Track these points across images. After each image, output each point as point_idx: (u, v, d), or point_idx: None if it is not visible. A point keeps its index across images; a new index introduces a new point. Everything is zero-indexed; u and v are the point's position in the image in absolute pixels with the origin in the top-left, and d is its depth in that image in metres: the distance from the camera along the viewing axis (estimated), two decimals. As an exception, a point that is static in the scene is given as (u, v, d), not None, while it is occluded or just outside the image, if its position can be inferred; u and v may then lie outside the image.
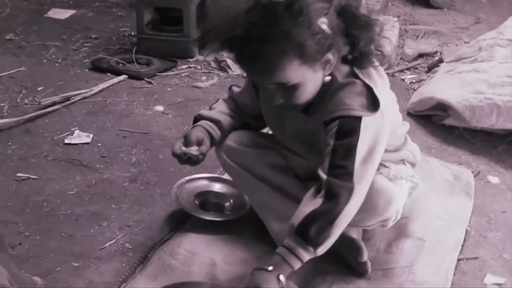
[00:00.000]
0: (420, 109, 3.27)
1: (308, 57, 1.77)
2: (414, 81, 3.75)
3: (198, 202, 2.48)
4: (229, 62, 3.97)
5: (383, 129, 1.91)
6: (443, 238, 2.35)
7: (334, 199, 1.84)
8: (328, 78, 1.88)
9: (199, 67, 4.00)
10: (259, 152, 2.23)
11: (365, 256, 2.10)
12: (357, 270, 2.13)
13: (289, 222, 1.90)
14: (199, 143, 2.13)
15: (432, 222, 2.42)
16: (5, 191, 2.62)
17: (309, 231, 1.83)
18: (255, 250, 2.27)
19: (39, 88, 3.59)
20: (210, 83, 3.76)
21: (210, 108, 2.29)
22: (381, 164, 2.02)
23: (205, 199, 2.49)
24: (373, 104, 1.86)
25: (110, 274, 2.18)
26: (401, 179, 2.10)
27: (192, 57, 4.12)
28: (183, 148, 2.13)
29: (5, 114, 3.27)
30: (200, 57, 4.14)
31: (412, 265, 2.20)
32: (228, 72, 3.93)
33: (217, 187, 2.55)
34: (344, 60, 1.89)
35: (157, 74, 3.85)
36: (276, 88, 1.86)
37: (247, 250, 2.28)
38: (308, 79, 1.83)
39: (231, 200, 2.48)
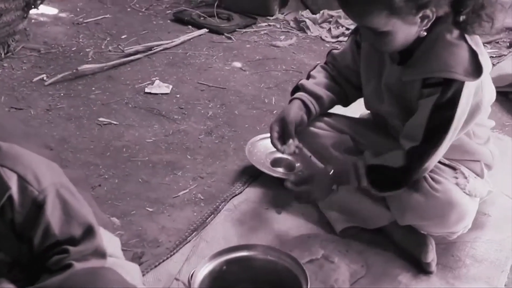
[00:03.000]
0: (498, 85, 3.21)
1: (398, 9, 1.77)
2: (494, 55, 3.68)
3: (270, 160, 2.54)
4: (309, 23, 3.99)
5: (481, 103, 1.93)
6: (509, 215, 2.35)
7: (412, 164, 1.90)
8: (423, 33, 1.89)
9: (278, 26, 4.04)
10: (332, 135, 2.23)
11: (430, 258, 2.08)
12: (421, 268, 2.12)
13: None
14: (297, 126, 2.15)
15: (500, 199, 2.42)
16: (88, 134, 2.75)
17: (376, 175, 1.94)
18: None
19: (123, 36, 3.71)
20: (288, 42, 3.79)
21: (309, 76, 2.27)
22: (461, 173, 2.04)
23: (277, 158, 2.55)
24: (476, 70, 1.84)
25: (181, 221, 2.28)
26: (475, 197, 2.08)
27: (272, 15, 4.16)
28: (279, 147, 2.13)
29: (90, 59, 3.40)
30: (280, 16, 4.18)
31: (475, 240, 2.22)
32: (306, 33, 3.95)
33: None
34: (455, 22, 1.89)
35: (237, 30, 3.91)
36: (367, 31, 1.89)
37: (312, 210, 2.34)
38: (398, 30, 1.84)
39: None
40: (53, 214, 1.43)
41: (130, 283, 1.50)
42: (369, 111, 2.26)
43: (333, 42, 3.87)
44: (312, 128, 2.23)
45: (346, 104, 2.28)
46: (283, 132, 2.14)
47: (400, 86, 1.99)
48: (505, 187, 2.47)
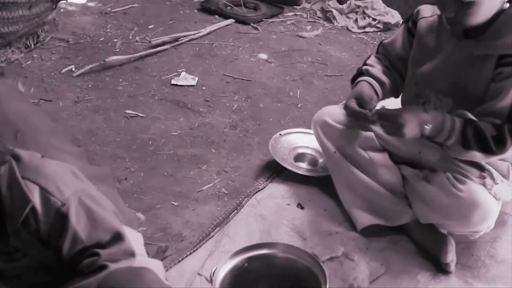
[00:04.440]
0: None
1: None
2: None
3: (293, 156, 2.57)
4: (335, 13, 4.00)
5: None
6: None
7: (500, 144, 1.86)
8: (507, 5, 1.88)
9: (304, 16, 4.05)
10: (354, 132, 2.25)
11: (449, 258, 2.10)
12: (440, 267, 2.14)
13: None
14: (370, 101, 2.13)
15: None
16: (114, 127, 2.80)
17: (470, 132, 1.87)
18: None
19: (150, 26, 3.75)
20: (315, 33, 3.80)
21: (365, 64, 2.27)
22: (490, 173, 2.04)
23: (300, 153, 2.58)
24: None
25: (205, 216, 2.33)
26: (499, 200, 2.08)
27: (298, 5, 4.17)
28: (364, 111, 2.04)
29: (117, 50, 3.45)
30: (307, 5, 4.19)
31: (495, 240, 2.23)
32: (333, 23, 3.96)
33: (313, 142, 2.62)
34: None
35: (263, 19, 3.92)
36: (450, 3, 1.87)
37: (334, 207, 2.37)
38: (485, 0, 1.84)
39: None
40: (78, 222, 1.48)
41: (166, 283, 1.56)
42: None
43: (359, 33, 3.87)
44: (336, 124, 2.27)
45: (397, 95, 2.29)
46: (360, 105, 2.10)
47: (464, 62, 1.97)
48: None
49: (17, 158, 1.49)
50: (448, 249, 2.08)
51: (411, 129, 1.86)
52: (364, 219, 2.22)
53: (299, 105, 3.01)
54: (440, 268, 2.12)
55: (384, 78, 2.21)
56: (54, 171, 1.52)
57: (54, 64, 3.27)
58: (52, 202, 1.46)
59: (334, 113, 2.30)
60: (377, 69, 2.22)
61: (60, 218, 1.47)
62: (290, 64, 3.41)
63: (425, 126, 1.87)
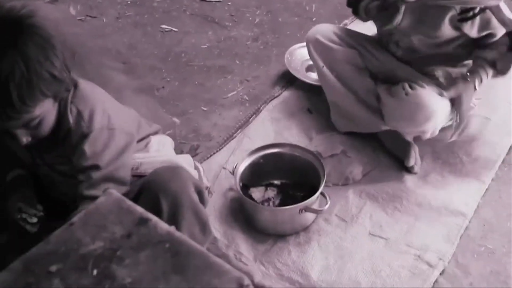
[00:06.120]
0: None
1: None
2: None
3: (305, 67, 2.97)
4: None
5: None
6: (508, 121, 2.72)
7: None
8: None
9: None
10: (343, 50, 2.59)
11: (411, 163, 2.45)
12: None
13: None
14: None
15: (502, 106, 2.78)
16: (152, 41, 3.22)
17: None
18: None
19: None
20: None
21: None
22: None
23: (311, 65, 2.95)
24: None
25: (230, 119, 2.77)
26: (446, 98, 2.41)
27: None
28: None
29: (152, -33, 3.80)
30: None
31: (473, 140, 2.62)
32: None
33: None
34: None
35: None
36: None
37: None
38: None
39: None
40: (90, 147, 1.82)
41: (197, 179, 2.01)
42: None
43: None
44: (326, 42, 2.62)
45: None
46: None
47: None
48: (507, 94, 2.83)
49: (75, 85, 1.85)
50: (410, 154, 2.46)
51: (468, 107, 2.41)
52: (343, 126, 2.61)
53: (313, 19, 3.36)
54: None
55: None
56: (97, 100, 1.86)
57: (96, -19, 3.66)
58: (81, 125, 1.81)
59: (326, 31, 2.63)
60: None
61: (81, 138, 1.81)
62: (309, -22, 3.72)
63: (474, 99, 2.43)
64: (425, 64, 2.50)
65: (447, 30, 2.32)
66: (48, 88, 1.66)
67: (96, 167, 1.80)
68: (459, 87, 2.41)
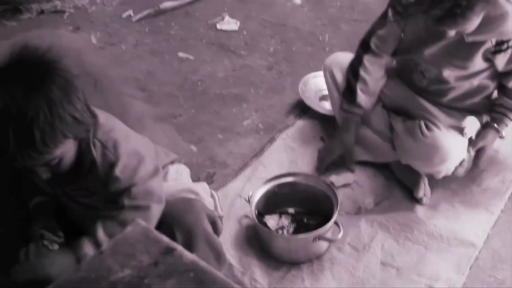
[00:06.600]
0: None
1: None
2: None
3: (319, 97, 3.05)
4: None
5: None
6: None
7: None
8: None
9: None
10: None
11: (420, 194, 2.50)
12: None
13: None
14: None
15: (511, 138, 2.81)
16: (169, 68, 3.31)
17: None
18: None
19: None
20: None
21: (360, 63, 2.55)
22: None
23: (325, 95, 3.02)
24: None
25: (245, 147, 2.83)
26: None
27: None
28: None
29: (169, -5, 3.90)
30: None
31: (482, 172, 2.67)
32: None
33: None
34: None
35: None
36: None
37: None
38: None
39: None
40: (122, 173, 1.87)
41: (211, 209, 2.09)
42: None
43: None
44: (337, 71, 2.70)
45: None
46: None
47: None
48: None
49: (96, 119, 1.85)
50: (420, 186, 2.52)
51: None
52: (356, 155, 2.65)
53: (326, 49, 3.43)
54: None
55: (381, 83, 2.57)
56: (119, 131, 1.91)
57: (115, 9, 3.75)
58: (107, 156, 1.86)
59: (342, 63, 2.66)
60: (373, 78, 2.53)
61: (110, 167, 1.86)
62: (321, 9, 3.80)
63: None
64: (451, 97, 2.50)
65: (478, 62, 2.33)
66: (70, 131, 1.70)
67: (133, 185, 1.86)
68: (487, 140, 2.48)
